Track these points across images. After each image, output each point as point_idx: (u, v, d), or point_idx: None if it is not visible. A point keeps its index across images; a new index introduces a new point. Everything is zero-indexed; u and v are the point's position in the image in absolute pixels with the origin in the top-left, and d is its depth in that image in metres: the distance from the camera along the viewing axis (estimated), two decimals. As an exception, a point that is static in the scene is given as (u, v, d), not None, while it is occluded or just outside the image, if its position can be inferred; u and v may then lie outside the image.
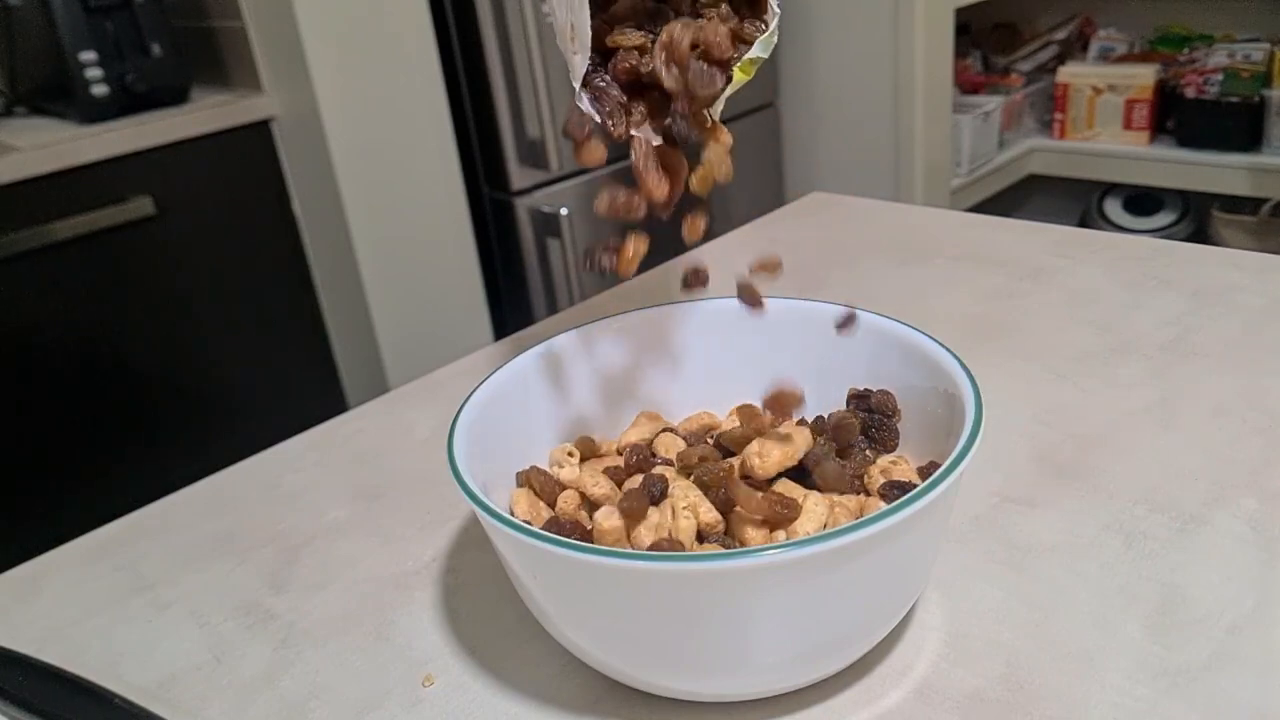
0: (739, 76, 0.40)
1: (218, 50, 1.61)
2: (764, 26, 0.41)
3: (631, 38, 0.41)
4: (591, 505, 0.41)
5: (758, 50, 0.40)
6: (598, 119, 0.41)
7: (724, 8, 0.41)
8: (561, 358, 0.47)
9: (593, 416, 0.49)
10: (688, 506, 0.38)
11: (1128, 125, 2.13)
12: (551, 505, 0.42)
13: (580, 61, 0.40)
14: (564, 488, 0.43)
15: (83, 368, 1.44)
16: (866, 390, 0.45)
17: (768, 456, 0.40)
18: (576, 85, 0.41)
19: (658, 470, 0.41)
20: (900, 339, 0.44)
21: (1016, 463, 0.50)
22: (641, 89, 0.42)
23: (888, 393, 0.44)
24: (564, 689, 0.40)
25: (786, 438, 0.41)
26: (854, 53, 1.91)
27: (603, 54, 0.42)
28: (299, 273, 1.64)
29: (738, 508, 0.38)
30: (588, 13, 0.39)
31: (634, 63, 0.41)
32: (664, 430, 0.47)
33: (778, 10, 0.41)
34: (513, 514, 0.41)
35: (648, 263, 0.81)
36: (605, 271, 0.42)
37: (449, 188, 1.62)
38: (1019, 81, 2.26)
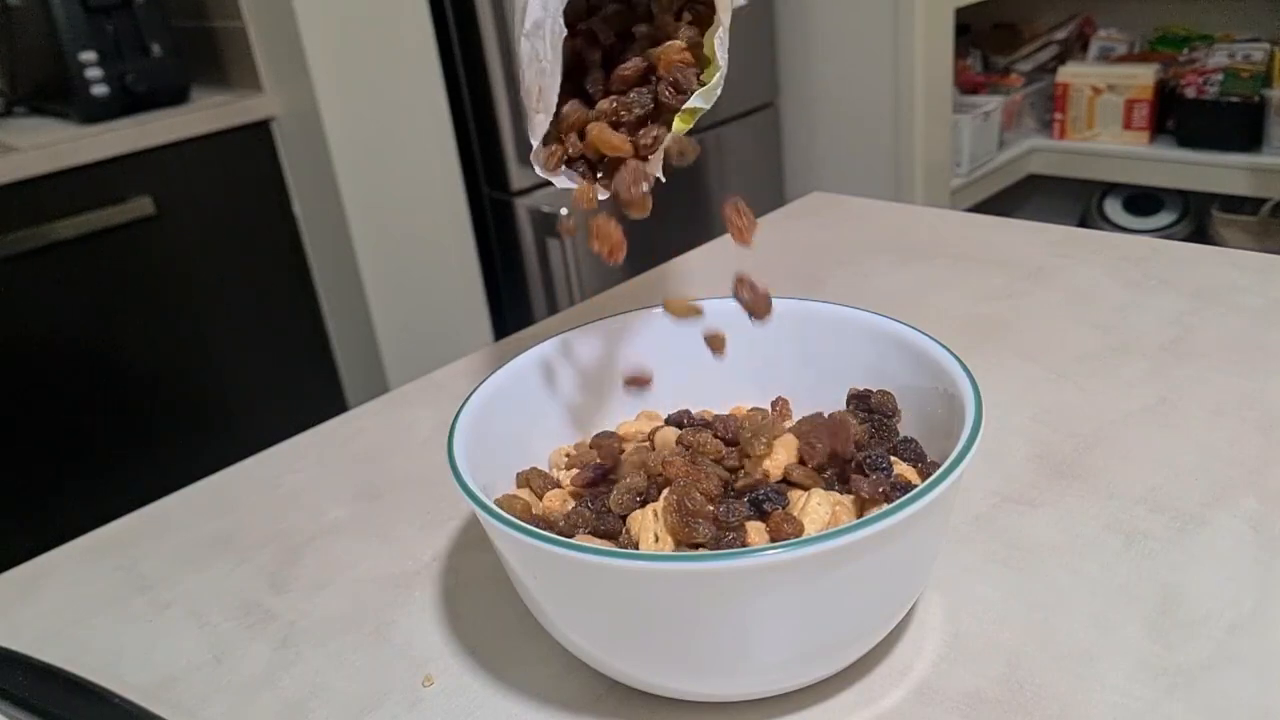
0: (678, 125, 0.42)
1: (218, 50, 1.61)
2: (697, 81, 0.42)
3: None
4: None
5: (696, 101, 0.42)
6: (571, 184, 0.43)
7: (680, 34, 0.43)
8: (561, 358, 0.47)
9: (593, 417, 0.49)
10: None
11: (1128, 125, 2.13)
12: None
13: (542, 121, 0.42)
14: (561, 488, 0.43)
15: (83, 367, 1.43)
16: (866, 390, 0.45)
17: (776, 455, 0.40)
18: (535, 142, 0.43)
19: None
20: (900, 339, 0.44)
21: (1016, 463, 0.50)
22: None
23: (888, 393, 0.44)
24: (564, 689, 0.40)
25: (783, 440, 0.41)
26: (854, 53, 1.91)
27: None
28: (299, 273, 1.64)
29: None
30: (558, 81, 0.41)
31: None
32: (661, 426, 0.47)
33: (722, 65, 0.42)
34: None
35: (647, 263, 0.82)
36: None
37: (449, 188, 1.62)
38: (1019, 81, 2.26)
